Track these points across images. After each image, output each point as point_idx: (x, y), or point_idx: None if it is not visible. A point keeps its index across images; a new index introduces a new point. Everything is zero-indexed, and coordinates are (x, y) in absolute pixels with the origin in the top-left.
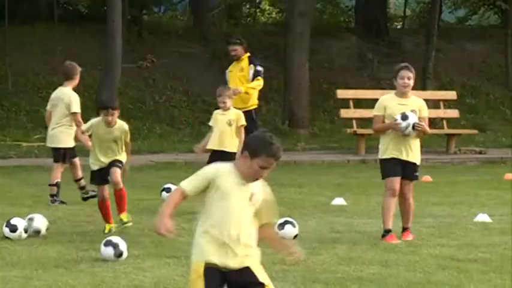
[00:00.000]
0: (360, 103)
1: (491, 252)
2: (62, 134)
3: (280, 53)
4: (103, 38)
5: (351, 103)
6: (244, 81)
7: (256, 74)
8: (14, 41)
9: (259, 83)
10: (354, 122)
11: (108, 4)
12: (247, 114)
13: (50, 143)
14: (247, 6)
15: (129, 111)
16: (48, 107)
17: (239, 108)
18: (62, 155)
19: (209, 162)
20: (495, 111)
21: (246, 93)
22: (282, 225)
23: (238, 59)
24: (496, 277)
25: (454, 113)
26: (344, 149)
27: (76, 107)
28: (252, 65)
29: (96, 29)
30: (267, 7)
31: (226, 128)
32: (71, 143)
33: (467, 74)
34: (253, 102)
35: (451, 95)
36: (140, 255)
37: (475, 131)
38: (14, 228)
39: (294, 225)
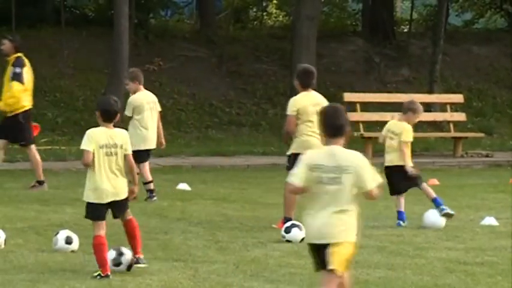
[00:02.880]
0: (366, 106)
1: (498, 255)
2: None
3: (287, 57)
4: (110, 42)
5: (358, 106)
6: (7, 83)
7: (13, 78)
8: (21, 46)
9: (16, 88)
10: (361, 125)
11: (115, 8)
12: (15, 117)
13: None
14: (254, 9)
15: None
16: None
17: (8, 112)
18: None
19: None
20: (502, 114)
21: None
22: (288, 229)
23: (6, 55)
24: (503, 280)
25: (460, 116)
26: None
27: None
28: (12, 67)
29: (103, 32)
30: (274, 10)
31: None
32: None
33: (474, 78)
34: (20, 106)
35: (458, 98)
36: (147, 259)
37: (481, 135)
38: None
39: (300, 229)
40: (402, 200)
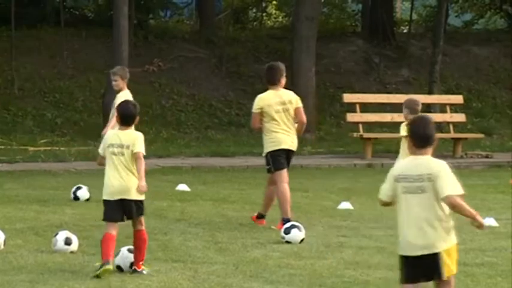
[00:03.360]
0: (366, 107)
1: (498, 256)
2: None
3: (287, 57)
4: (109, 43)
5: (358, 107)
6: None
7: None
8: (20, 46)
9: None
10: (360, 126)
11: (115, 9)
12: None
13: None
14: (254, 10)
15: None
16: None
17: None
18: None
19: None
20: (502, 115)
21: None
22: (288, 229)
23: None
24: (503, 281)
25: (460, 117)
26: (350, 153)
27: None
28: None
29: (102, 33)
30: (274, 11)
31: None
32: None
33: (473, 78)
34: None
35: (458, 99)
36: (147, 260)
37: (481, 135)
38: None
39: (300, 229)
40: None
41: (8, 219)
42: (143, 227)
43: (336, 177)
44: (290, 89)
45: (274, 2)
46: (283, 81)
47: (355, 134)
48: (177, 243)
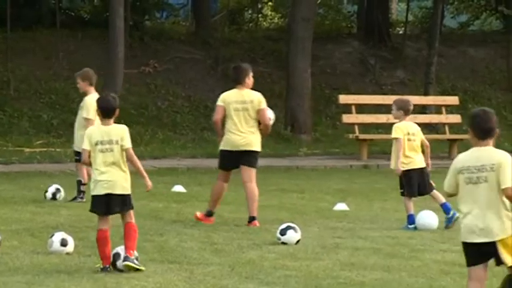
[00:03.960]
0: (362, 108)
1: None
2: None
3: (283, 59)
4: (105, 44)
5: (353, 108)
6: None
7: None
8: (16, 47)
9: None
10: (356, 127)
11: (110, 10)
12: None
13: None
14: (250, 11)
15: (132, 117)
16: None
17: None
18: None
19: None
20: (497, 116)
21: None
22: (284, 231)
23: None
24: (498, 282)
25: (456, 118)
26: (346, 154)
27: None
28: None
29: (98, 34)
30: (269, 12)
31: None
32: None
33: (469, 79)
34: None
35: (453, 100)
36: (143, 261)
37: None
38: None
39: (296, 231)
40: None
41: (3, 221)
42: (133, 220)
43: (332, 178)
44: (287, 91)
45: (269, 3)
46: (249, 81)
47: (350, 135)
48: (173, 245)
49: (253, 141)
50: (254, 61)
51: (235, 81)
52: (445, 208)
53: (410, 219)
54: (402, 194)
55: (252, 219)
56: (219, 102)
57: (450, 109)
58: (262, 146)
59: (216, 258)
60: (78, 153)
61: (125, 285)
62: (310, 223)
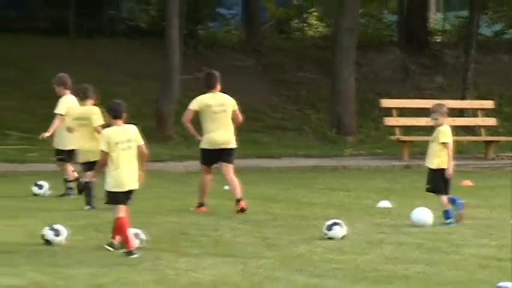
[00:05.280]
0: (402, 112)
1: None
2: None
3: (328, 65)
4: (162, 52)
5: (394, 112)
6: None
7: None
8: (78, 54)
9: None
10: (397, 129)
11: (167, 20)
12: None
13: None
14: (296, 21)
15: None
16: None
17: None
18: None
19: None
20: None
21: None
22: (330, 227)
23: None
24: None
25: (491, 121)
26: (389, 155)
27: None
28: None
29: (155, 43)
30: (315, 22)
31: None
32: None
33: (504, 84)
34: None
35: (489, 104)
36: (200, 254)
37: None
38: (57, 233)
39: (342, 227)
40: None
41: (71, 217)
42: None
43: (376, 177)
44: (332, 96)
45: (315, 14)
46: (219, 86)
47: (392, 137)
48: (227, 239)
49: (231, 139)
50: (301, 68)
51: (209, 87)
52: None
53: (447, 213)
54: (428, 190)
55: (238, 200)
56: (193, 107)
57: (486, 112)
58: (311, 148)
59: (268, 252)
60: (60, 152)
61: (184, 276)
62: (356, 219)
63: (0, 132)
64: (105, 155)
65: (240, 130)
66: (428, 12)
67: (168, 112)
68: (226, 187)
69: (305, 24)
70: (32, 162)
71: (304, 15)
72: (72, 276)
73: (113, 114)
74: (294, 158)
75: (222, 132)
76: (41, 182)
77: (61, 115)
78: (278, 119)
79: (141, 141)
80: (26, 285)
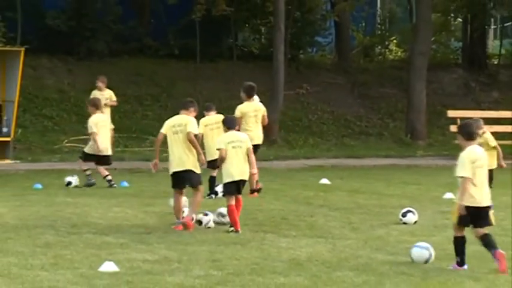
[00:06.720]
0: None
1: None
2: None
3: (404, 83)
4: (270, 72)
5: (458, 121)
6: None
7: None
8: (203, 75)
9: None
10: None
11: (274, 47)
12: None
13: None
14: (379, 47)
15: (289, 127)
16: None
17: None
18: None
19: None
20: None
21: None
22: (404, 214)
23: None
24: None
25: None
26: (454, 155)
27: None
28: None
29: (264, 65)
30: (394, 48)
31: None
32: None
33: None
34: None
35: None
36: (297, 236)
37: None
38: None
39: (414, 214)
40: None
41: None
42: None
43: (442, 174)
44: (407, 107)
45: (394, 41)
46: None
47: (456, 141)
48: (320, 223)
49: (260, 136)
50: (382, 85)
51: (250, 96)
52: None
53: None
54: None
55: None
56: (236, 114)
57: None
58: (389, 150)
59: (353, 234)
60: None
61: (284, 254)
62: (425, 208)
63: (140, 137)
64: (222, 151)
65: (332, 136)
66: (487, 39)
67: (273, 120)
68: (322, 181)
69: (386, 50)
70: (163, 161)
71: (386, 42)
72: (195, 253)
73: (227, 126)
74: (375, 158)
75: (252, 130)
76: None
77: (94, 132)
78: (363, 127)
79: (249, 145)
80: (158, 260)
